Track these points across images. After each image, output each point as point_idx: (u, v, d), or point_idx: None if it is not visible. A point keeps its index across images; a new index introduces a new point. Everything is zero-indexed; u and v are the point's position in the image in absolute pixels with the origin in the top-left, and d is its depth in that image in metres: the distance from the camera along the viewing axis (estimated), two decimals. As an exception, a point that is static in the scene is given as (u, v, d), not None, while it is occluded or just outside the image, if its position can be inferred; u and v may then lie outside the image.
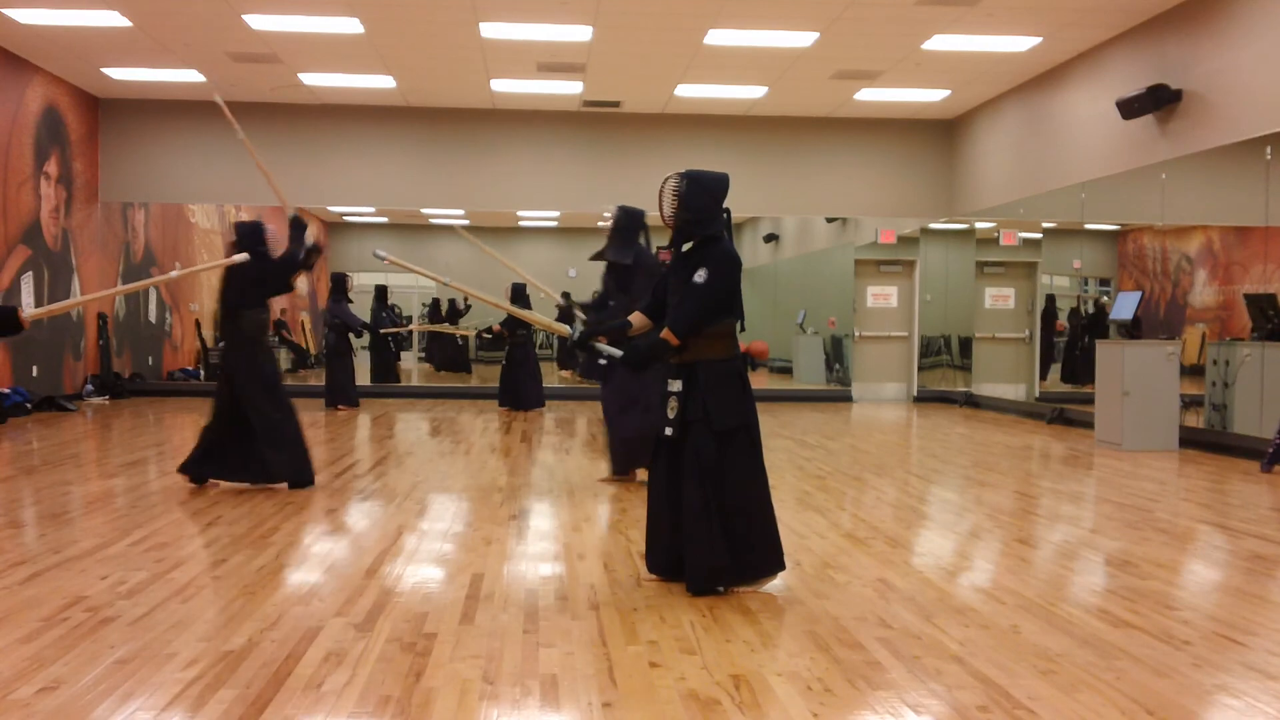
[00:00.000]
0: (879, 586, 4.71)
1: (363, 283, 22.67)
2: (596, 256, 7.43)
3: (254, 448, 7.05)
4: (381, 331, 16.87)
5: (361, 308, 15.36)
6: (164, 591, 4.46)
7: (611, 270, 7.37)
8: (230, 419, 7.11)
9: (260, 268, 7.25)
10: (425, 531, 5.84)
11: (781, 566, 4.58)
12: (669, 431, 4.55)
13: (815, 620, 4.17)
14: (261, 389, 7.20)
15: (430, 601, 4.38)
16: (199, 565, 4.94)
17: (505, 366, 13.70)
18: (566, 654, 3.71)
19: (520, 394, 13.47)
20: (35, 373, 12.89)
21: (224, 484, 7.20)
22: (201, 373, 17.42)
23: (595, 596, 4.48)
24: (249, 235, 7.33)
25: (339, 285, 13.90)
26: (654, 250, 7.35)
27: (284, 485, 7.14)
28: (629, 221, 7.32)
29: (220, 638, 3.84)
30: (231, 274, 7.30)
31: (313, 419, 11.86)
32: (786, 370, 21.45)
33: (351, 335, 13.78)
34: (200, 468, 7.16)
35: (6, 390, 11.90)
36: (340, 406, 13.51)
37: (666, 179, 4.62)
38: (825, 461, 8.96)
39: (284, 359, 21.53)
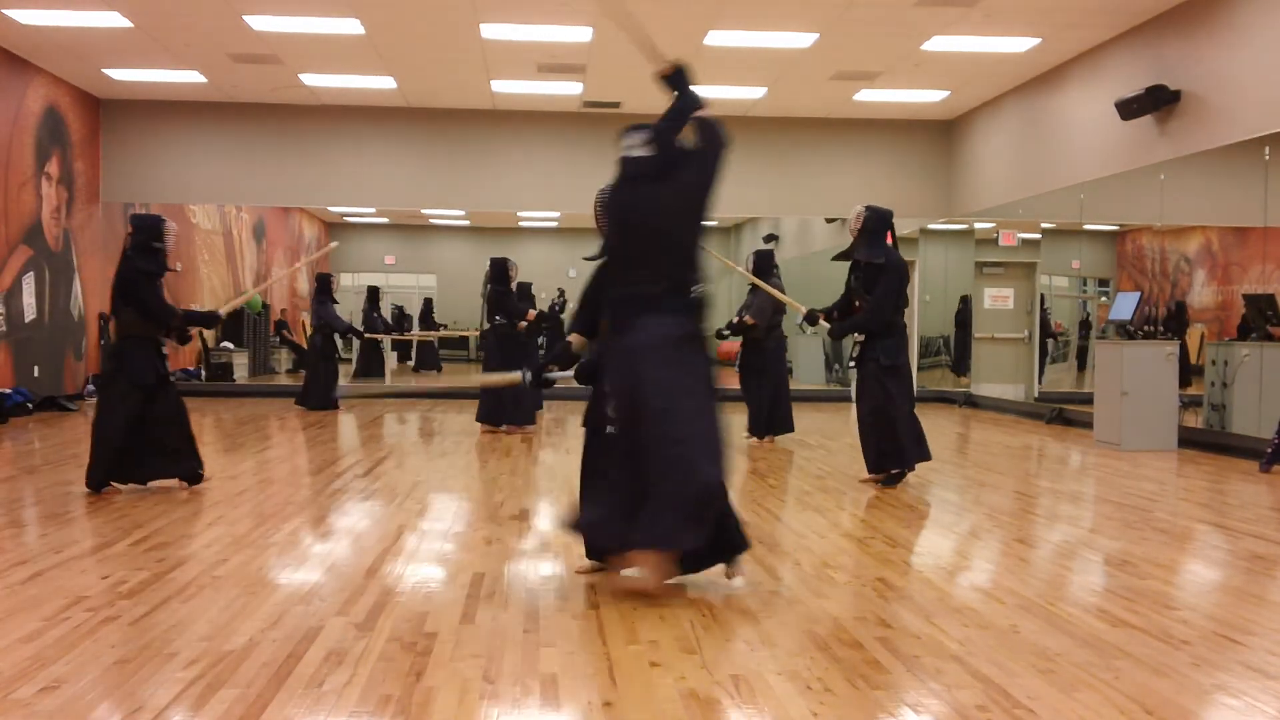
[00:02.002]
0: (878, 586, 4.72)
1: (362, 284, 22.71)
2: (842, 256, 7.47)
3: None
4: (366, 335, 16.82)
5: (358, 309, 15.34)
6: (165, 591, 4.47)
7: (857, 270, 7.45)
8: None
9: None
10: (426, 531, 5.84)
11: None
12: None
13: (815, 620, 4.18)
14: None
15: (431, 601, 4.39)
16: (200, 565, 4.95)
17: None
18: (567, 653, 3.72)
19: (521, 403, 11.77)
20: (37, 373, 12.91)
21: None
22: (202, 372, 17.43)
23: (595, 596, 4.49)
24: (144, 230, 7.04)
25: (323, 286, 13.68)
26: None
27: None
28: (878, 222, 7.36)
29: (221, 637, 3.85)
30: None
31: (290, 421, 11.86)
32: (786, 370, 21.42)
33: (337, 337, 13.72)
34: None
35: (8, 390, 11.91)
36: (315, 409, 13.09)
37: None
38: (825, 461, 8.97)
39: (284, 359, 21.55)
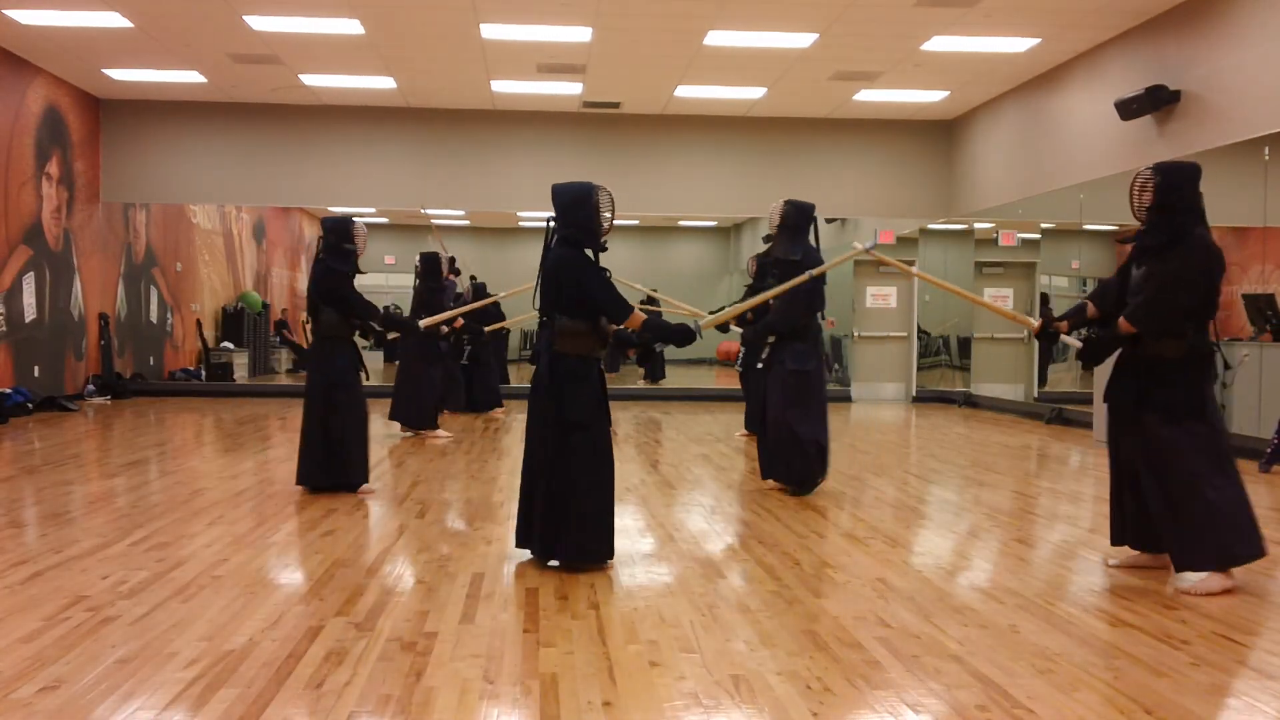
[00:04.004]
0: (878, 586, 4.72)
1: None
2: (763, 255, 7.18)
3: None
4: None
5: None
6: (165, 591, 4.47)
7: (778, 267, 7.05)
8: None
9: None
10: (426, 530, 5.85)
11: None
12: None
13: (814, 620, 4.18)
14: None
15: (431, 600, 4.39)
16: (200, 565, 4.95)
17: (472, 366, 12.55)
18: (566, 653, 3.72)
19: (489, 393, 12.80)
20: (37, 373, 12.91)
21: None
22: (203, 373, 17.44)
23: (595, 596, 4.49)
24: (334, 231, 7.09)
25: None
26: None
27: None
28: (798, 217, 6.98)
29: (221, 637, 3.85)
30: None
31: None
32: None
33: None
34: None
35: (8, 390, 11.91)
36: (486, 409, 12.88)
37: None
38: (825, 462, 8.96)
39: (284, 359, 21.56)
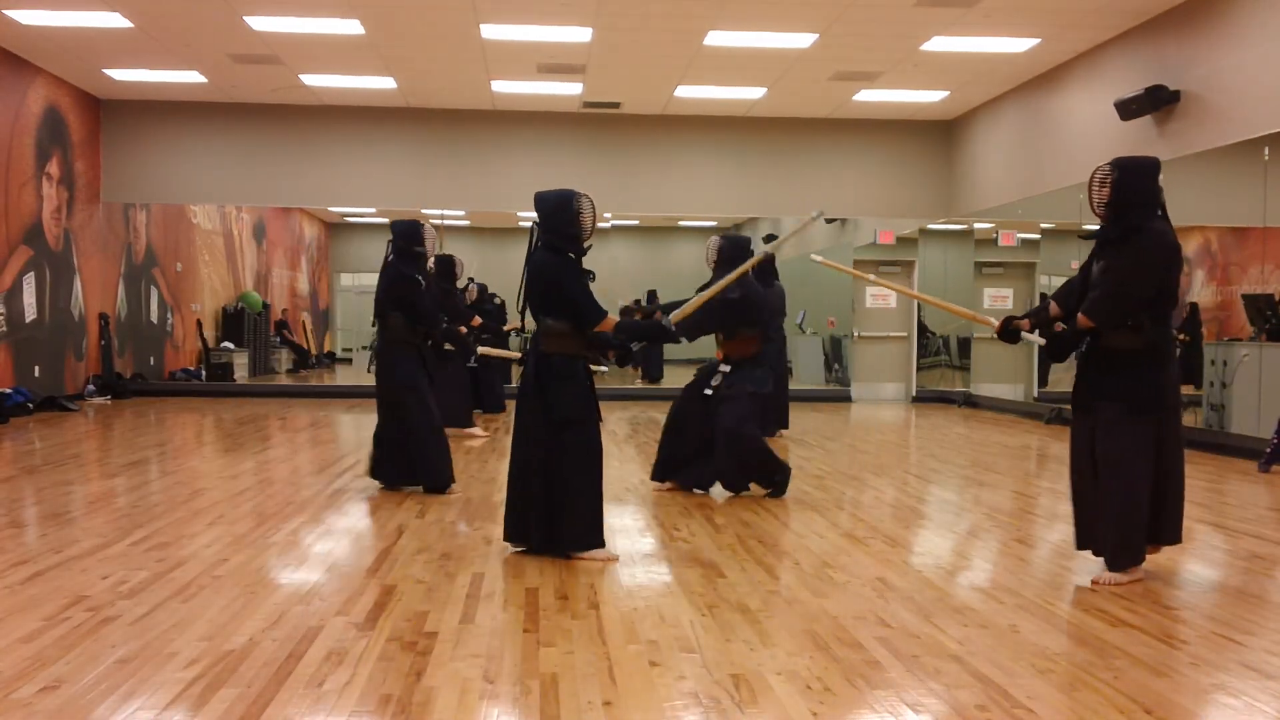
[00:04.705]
0: (878, 586, 4.73)
1: (363, 284, 22.73)
2: (702, 288, 6.96)
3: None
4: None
5: (358, 309, 15.27)
6: (165, 591, 4.48)
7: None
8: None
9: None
10: (426, 530, 5.85)
11: None
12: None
13: (814, 619, 4.18)
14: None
15: (431, 600, 4.39)
16: (200, 565, 4.96)
17: (479, 369, 12.04)
18: (566, 653, 3.72)
19: (495, 396, 12.65)
20: (37, 373, 12.91)
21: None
22: (203, 373, 17.44)
23: (595, 595, 4.50)
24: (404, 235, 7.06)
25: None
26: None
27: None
28: (734, 251, 6.98)
29: (221, 637, 3.85)
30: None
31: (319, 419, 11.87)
32: (786, 370, 21.45)
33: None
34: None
35: (9, 390, 11.91)
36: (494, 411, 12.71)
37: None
38: (824, 461, 8.97)
39: (285, 359, 21.56)
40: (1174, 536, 4.86)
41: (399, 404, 6.93)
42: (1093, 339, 4.86)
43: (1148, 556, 4.90)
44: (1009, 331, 5.19)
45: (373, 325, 7.25)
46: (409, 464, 6.94)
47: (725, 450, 6.92)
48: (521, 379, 5.31)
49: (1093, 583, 4.76)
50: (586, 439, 5.15)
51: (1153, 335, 4.71)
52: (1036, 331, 5.15)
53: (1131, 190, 4.72)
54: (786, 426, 10.75)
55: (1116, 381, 4.74)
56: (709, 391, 7.02)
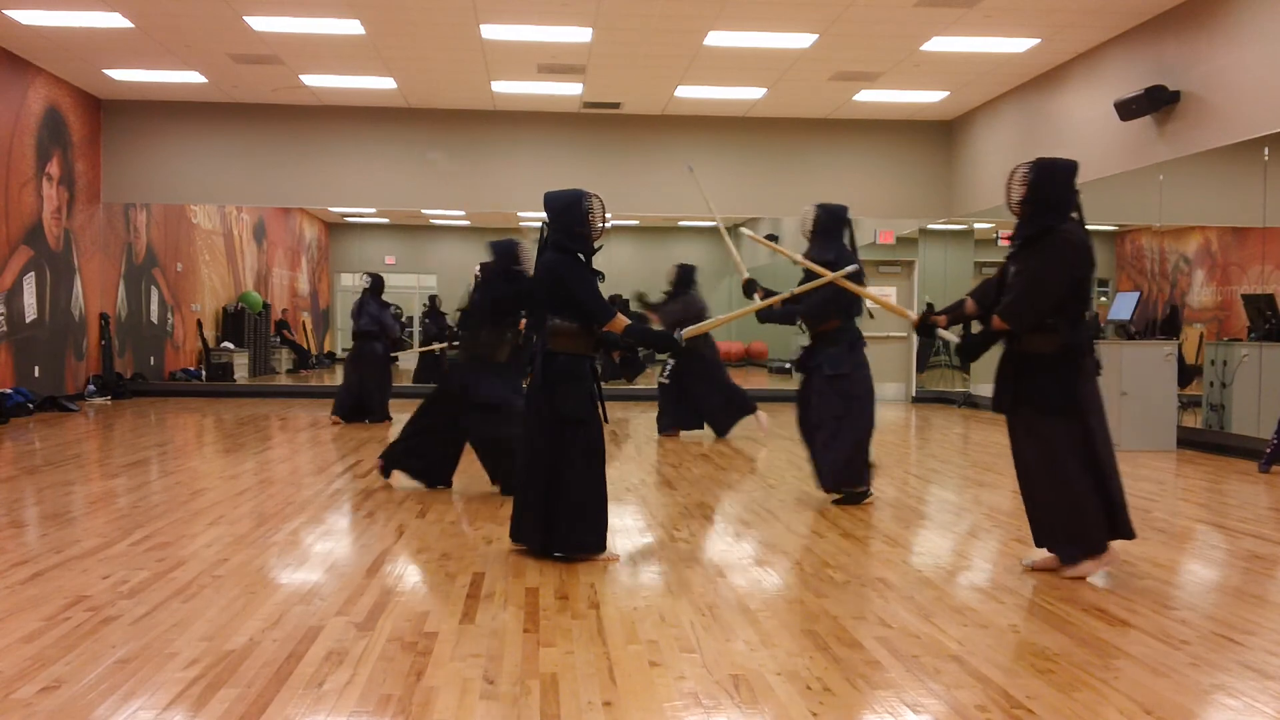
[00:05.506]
0: (878, 586, 4.73)
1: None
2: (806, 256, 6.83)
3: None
4: (423, 349, 16.73)
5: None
6: (165, 591, 4.48)
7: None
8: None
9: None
10: (426, 530, 5.85)
11: None
12: None
13: (814, 619, 4.18)
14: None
15: (431, 600, 4.40)
16: (200, 565, 4.96)
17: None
18: (566, 653, 3.72)
19: None
20: (37, 373, 12.91)
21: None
22: (203, 373, 17.45)
23: (595, 595, 4.50)
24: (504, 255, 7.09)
25: (378, 287, 12.41)
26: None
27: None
28: (830, 220, 6.98)
29: (221, 637, 3.86)
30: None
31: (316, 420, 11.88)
32: (786, 370, 21.46)
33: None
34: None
35: (9, 390, 11.92)
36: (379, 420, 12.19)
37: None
38: (825, 462, 8.96)
39: (285, 359, 21.57)
40: (1126, 532, 4.88)
41: (489, 418, 6.89)
42: (1009, 342, 4.92)
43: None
44: (925, 327, 5.32)
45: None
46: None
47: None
48: (530, 378, 5.34)
49: (1029, 567, 4.91)
50: (589, 439, 5.15)
51: (1067, 337, 4.76)
52: (952, 329, 5.26)
53: (1046, 191, 4.79)
54: (690, 428, 10.68)
55: (1034, 385, 4.81)
56: (789, 366, 7.08)
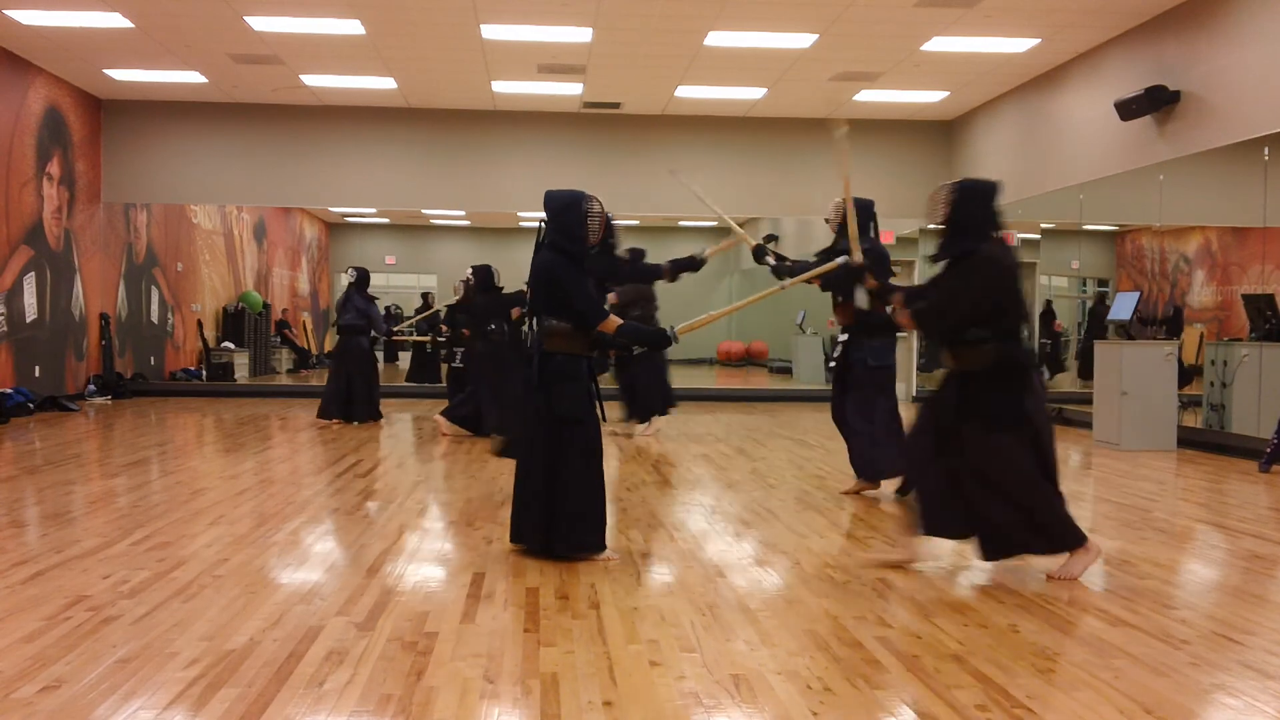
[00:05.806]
0: (878, 585, 4.73)
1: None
2: (826, 252, 6.92)
3: None
4: (417, 338, 16.76)
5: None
6: (166, 591, 4.48)
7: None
8: None
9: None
10: (426, 530, 5.85)
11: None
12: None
13: (815, 619, 4.18)
14: None
15: (431, 600, 4.40)
16: (201, 564, 4.96)
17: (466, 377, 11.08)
18: (567, 653, 3.72)
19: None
20: (38, 373, 12.92)
21: None
22: (204, 373, 17.45)
23: (595, 595, 4.50)
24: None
25: (364, 281, 12.06)
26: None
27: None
28: (860, 214, 6.95)
29: (222, 637, 3.86)
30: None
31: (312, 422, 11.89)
32: (786, 370, 21.48)
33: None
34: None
35: (9, 390, 11.92)
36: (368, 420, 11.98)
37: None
38: (825, 461, 8.97)
39: (285, 359, 21.57)
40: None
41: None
42: (950, 359, 4.95)
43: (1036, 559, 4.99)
44: (759, 250, 6.46)
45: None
46: None
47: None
48: (528, 379, 5.35)
49: (1048, 576, 4.87)
50: (586, 439, 5.15)
51: (1002, 351, 4.79)
52: (868, 296, 5.97)
53: (965, 214, 4.88)
54: (663, 412, 10.88)
55: (974, 400, 4.82)
56: (832, 365, 7.26)
